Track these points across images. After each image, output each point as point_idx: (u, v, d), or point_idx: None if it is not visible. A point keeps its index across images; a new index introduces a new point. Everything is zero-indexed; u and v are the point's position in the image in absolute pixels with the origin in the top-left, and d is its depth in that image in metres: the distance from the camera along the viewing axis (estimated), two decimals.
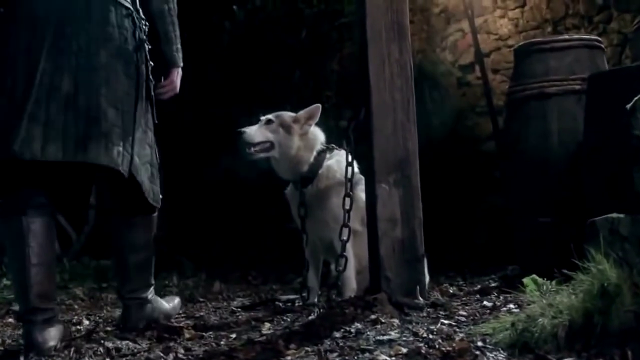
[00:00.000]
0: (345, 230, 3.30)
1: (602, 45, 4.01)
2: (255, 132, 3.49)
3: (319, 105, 3.59)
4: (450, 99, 6.02)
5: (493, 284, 4.01)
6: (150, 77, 3.00)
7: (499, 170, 5.78)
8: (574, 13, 5.42)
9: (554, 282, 3.17)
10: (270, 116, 3.56)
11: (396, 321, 2.76)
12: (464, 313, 2.88)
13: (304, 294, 3.64)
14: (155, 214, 3.12)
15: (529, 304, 2.83)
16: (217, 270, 5.39)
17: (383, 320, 2.74)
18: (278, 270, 5.23)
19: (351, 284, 3.45)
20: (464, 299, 3.31)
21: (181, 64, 3.10)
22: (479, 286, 3.97)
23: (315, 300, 3.61)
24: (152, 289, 3.22)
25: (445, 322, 2.70)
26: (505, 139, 4.19)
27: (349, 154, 3.26)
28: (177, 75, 3.11)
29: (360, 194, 3.36)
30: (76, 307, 4.16)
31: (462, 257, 4.98)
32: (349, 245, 3.36)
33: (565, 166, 3.83)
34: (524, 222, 3.99)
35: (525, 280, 3.23)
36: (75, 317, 3.73)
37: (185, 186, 6.19)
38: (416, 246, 3.14)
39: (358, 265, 3.45)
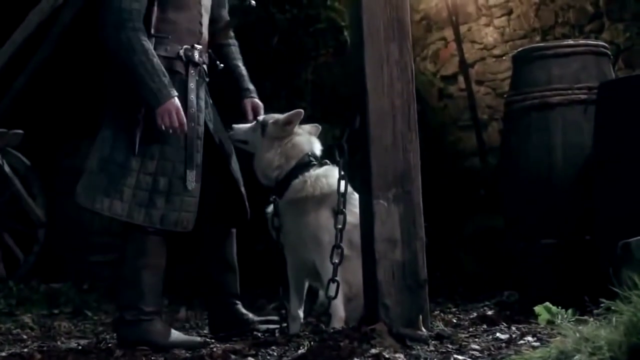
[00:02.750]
0: (336, 252, 3.04)
1: (609, 52, 3.81)
2: (238, 130, 3.53)
3: (301, 111, 3.45)
4: (431, 111, 5.80)
5: (490, 312, 3.78)
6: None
7: (485, 189, 5.59)
8: (564, 22, 5.25)
9: (569, 311, 2.94)
10: (260, 117, 3.53)
11: (401, 356, 2.50)
12: (477, 347, 2.62)
13: (284, 324, 3.39)
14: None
15: (550, 337, 2.60)
16: (180, 295, 5.07)
17: (387, 356, 2.48)
18: (248, 295, 4.91)
19: (339, 312, 3.21)
20: (470, 329, 3.06)
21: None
22: (475, 314, 3.77)
23: (299, 330, 3.33)
24: None
25: (459, 357, 2.44)
26: (503, 154, 3.96)
27: (342, 166, 3.00)
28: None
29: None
30: (25, 337, 3.86)
31: (449, 281, 4.74)
32: (331, 269, 3.10)
33: (570, 183, 3.63)
34: (524, 244, 3.76)
35: (538, 308, 3.00)
36: (25, 349, 3.42)
37: None
38: (418, 270, 2.90)
39: (348, 292, 3.19)
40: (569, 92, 3.66)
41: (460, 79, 5.72)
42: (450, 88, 5.87)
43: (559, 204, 3.62)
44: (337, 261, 3.02)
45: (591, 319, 2.65)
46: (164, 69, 3.15)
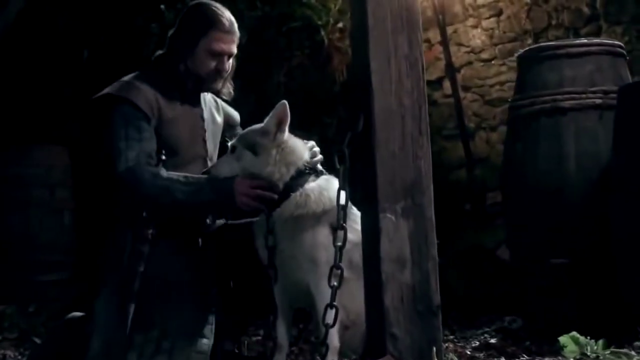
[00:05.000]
0: (335, 274, 2.72)
1: (625, 52, 3.63)
2: (221, 167, 3.08)
3: (284, 102, 3.04)
4: None
5: (493, 340, 3.56)
6: None
7: (471, 203, 5.39)
8: (558, 24, 5.10)
9: (600, 342, 2.70)
10: (233, 142, 3.11)
11: None
12: None
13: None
14: None
15: None
16: None
17: None
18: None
19: (333, 341, 2.90)
20: None
21: None
22: (477, 342, 3.56)
23: None
24: None
25: None
26: (507, 163, 3.75)
27: (343, 175, 2.69)
28: None
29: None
30: None
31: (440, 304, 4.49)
32: (328, 293, 2.80)
33: (584, 196, 3.46)
34: (531, 265, 3.56)
35: (563, 339, 2.75)
36: None
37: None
38: (430, 294, 2.60)
39: (345, 319, 2.89)
40: (583, 95, 3.51)
41: (445, 84, 5.52)
42: (434, 94, 5.65)
43: (572, 219, 3.45)
44: (335, 283, 2.72)
45: (632, 352, 2.43)
46: (194, 178, 2.99)
